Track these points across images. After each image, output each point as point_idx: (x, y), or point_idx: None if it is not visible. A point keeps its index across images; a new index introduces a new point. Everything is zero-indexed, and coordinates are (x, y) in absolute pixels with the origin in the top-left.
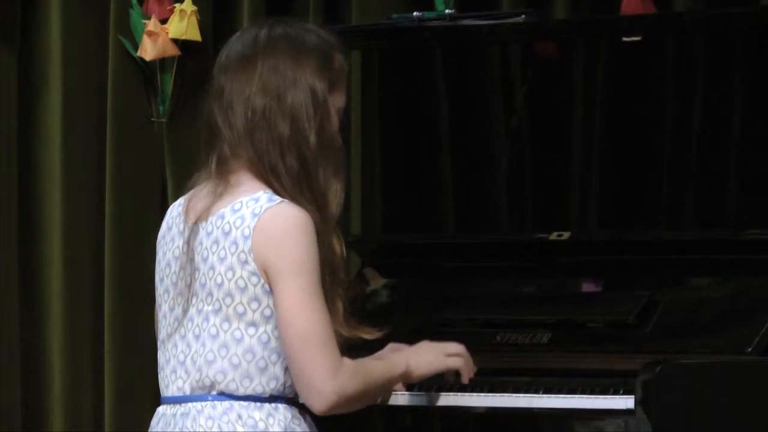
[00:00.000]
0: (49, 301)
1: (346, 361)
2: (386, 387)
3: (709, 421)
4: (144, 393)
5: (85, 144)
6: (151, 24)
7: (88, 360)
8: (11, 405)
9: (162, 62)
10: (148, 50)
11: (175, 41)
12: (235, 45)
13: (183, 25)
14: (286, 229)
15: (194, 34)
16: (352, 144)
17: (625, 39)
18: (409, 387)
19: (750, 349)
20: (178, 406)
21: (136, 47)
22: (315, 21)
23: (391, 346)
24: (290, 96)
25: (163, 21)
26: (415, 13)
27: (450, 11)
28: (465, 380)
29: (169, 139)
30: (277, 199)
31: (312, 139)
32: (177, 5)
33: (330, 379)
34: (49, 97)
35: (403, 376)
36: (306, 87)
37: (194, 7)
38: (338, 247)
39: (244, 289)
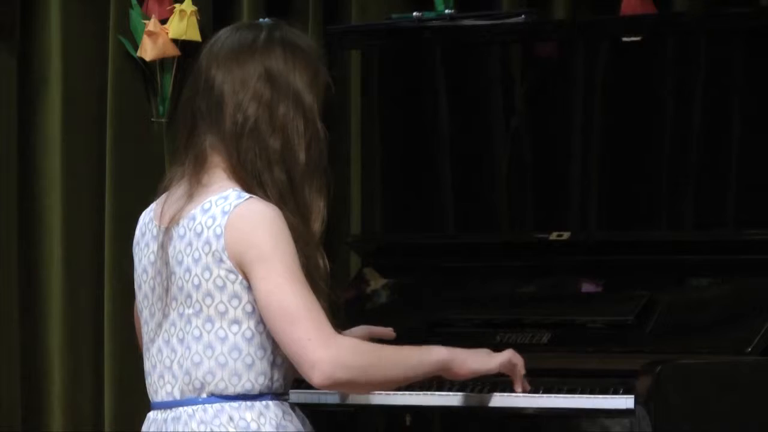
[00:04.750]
0: (49, 301)
1: (344, 336)
2: (415, 370)
3: (709, 421)
4: (144, 393)
5: (85, 144)
6: (151, 24)
7: (88, 360)
8: (11, 405)
9: (162, 62)
10: (148, 50)
11: (175, 41)
12: (230, 39)
13: (183, 25)
14: (254, 222)
15: (194, 35)
16: (352, 144)
17: (625, 39)
18: (410, 386)
19: (750, 349)
20: (168, 411)
21: (136, 47)
22: (315, 21)
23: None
24: (282, 109)
25: (163, 21)
26: (414, 13)
27: (450, 11)
28: (517, 388)
29: (169, 139)
30: (246, 195)
31: (301, 156)
32: (177, 5)
33: (321, 349)
34: (49, 97)
35: (441, 364)
36: (298, 101)
37: (194, 8)
38: (321, 261)
39: (223, 288)
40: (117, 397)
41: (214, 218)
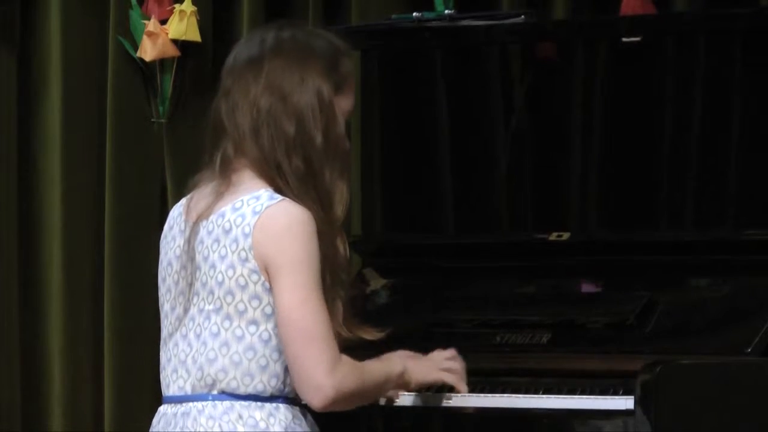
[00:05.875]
0: (49, 301)
1: (344, 357)
2: (383, 387)
3: (708, 421)
4: (144, 393)
5: (85, 144)
6: (151, 25)
7: (88, 360)
8: (11, 405)
9: (162, 63)
10: (147, 51)
11: (175, 42)
12: (243, 47)
13: (182, 25)
14: (286, 227)
15: (194, 35)
16: (352, 144)
17: (624, 39)
18: None
19: (750, 349)
20: (179, 405)
21: (135, 48)
22: (315, 21)
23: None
24: (296, 96)
25: (163, 22)
26: (414, 14)
27: (449, 12)
28: (461, 389)
29: (169, 140)
30: (278, 197)
31: (318, 139)
32: (177, 6)
33: (329, 375)
34: (49, 97)
35: (399, 378)
36: (312, 88)
37: (194, 8)
38: (342, 248)
39: (244, 287)
40: (117, 397)
41: (243, 217)
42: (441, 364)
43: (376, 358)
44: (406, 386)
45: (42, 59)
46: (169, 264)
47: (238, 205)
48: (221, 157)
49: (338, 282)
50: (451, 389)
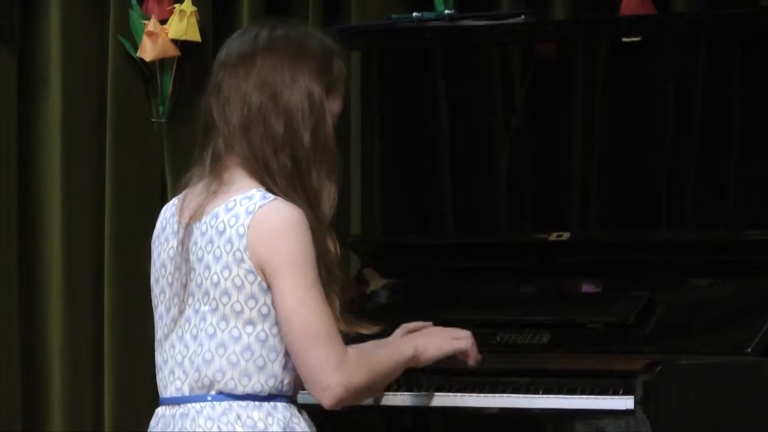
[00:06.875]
0: (49, 300)
1: (350, 352)
2: (394, 373)
3: (708, 421)
4: (144, 393)
5: (85, 144)
6: (151, 24)
7: (88, 360)
8: (11, 405)
9: (162, 63)
10: (147, 51)
11: (175, 42)
12: (235, 43)
13: (183, 25)
14: (280, 226)
15: (194, 35)
16: (351, 145)
17: (625, 39)
18: (409, 387)
19: (750, 350)
20: (177, 406)
21: (135, 48)
22: (315, 21)
23: (403, 326)
24: (286, 96)
25: (163, 21)
26: (414, 14)
27: (449, 12)
28: (472, 362)
29: (169, 140)
30: (271, 196)
31: (306, 139)
32: (177, 6)
33: (336, 373)
34: (49, 97)
35: (411, 360)
36: (303, 88)
37: (194, 8)
38: (332, 245)
39: (241, 288)
40: (117, 397)
41: (237, 217)
42: (452, 334)
43: (384, 345)
44: (417, 365)
45: (42, 59)
46: (163, 265)
47: (230, 205)
48: (212, 153)
49: (333, 278)
50: (451, 388)
